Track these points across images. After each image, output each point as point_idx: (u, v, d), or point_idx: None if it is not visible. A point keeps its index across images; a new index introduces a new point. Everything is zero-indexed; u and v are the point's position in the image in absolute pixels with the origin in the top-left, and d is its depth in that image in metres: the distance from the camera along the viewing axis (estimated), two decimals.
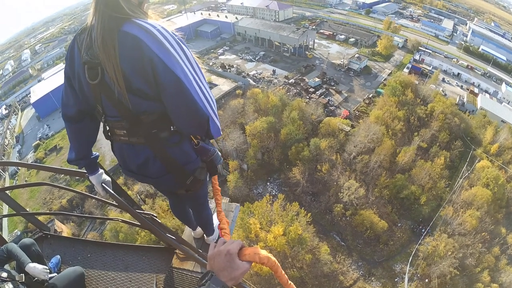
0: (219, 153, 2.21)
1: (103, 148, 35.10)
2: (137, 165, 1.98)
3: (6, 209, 32.59)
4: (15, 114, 62.79)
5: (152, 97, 1.67)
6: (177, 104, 1.67)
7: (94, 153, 2.24)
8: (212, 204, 3.26)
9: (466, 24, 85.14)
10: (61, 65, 73.77)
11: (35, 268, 2.61)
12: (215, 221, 3.27)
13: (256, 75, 57.00)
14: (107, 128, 1.96)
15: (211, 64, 62.25)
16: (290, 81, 53.99)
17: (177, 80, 1.58)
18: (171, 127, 1.84)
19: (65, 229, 31.53)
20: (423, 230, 34.39)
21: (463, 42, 73.20)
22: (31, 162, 43.54)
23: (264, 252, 1.20)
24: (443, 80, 58.01)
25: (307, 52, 64.54)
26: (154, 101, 1.69)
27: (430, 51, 67.88)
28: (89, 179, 2.32)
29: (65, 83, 1.89)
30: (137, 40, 1.53)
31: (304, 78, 54.92)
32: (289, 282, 1.36)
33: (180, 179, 2.05)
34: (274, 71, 57.89)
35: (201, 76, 1.75)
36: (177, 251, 3.06)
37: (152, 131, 1.80)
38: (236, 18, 78.32)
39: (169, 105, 1.68)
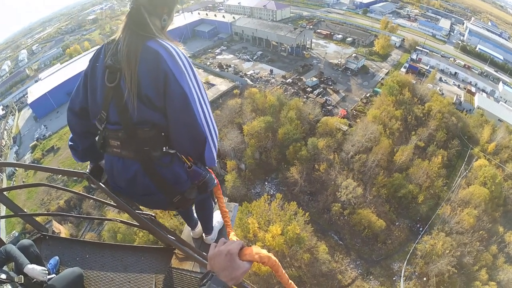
0: (213, 176, 2.21)
1: None
2: (125, 180, 2.01)
3: (4, 210, 32.55)
4: (12, 115, 62.49)
5: (156, 107, 1.81)
6: (180, 118, 1.82)
7: None
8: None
9: (463, 24, 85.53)
10: (58, 65, 73.53)
11: (34, 269, 2.60)
12: (214, 221, 3.27)
13: (254, 74, 57.02)
14: (102, 140, 2.00)
15: (208, 64, 62.25)
16: (288, 80, 54.07)
17: (183, 94, 1.77)
18: (164, 148, 1.92)
19: (63, 230, 31.51)
20: (420, 229, 34.51)
21: (460, 42, 73.57)
22: (29, 163, 43.39)
23: (264, 252, 1.21)
24: (440, 79, 58.29)
25: (304, 52, 64.66)
26: (156, 111, 1.82)
27: (427, 51, 68.10)
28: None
29: (81, 81, 2.05)
30: (157, 54, 1.74)
31: (301, 77, 55.03)
32: (290, 281, 1.37)
33: (167, 198, 2.08)
34: (271, 71, 57.94)
35: (207, 100, 1.93)
36: (176, 251, 3.05)
37: (144, 147, 1.88)
38: (234, 17, 78.32)
39: (172, 118, 1.83)
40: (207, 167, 2.17)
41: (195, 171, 2.04)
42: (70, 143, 2.28)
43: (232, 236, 1.80)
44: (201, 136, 1.89)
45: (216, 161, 2.07)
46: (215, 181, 2.25)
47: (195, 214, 3.15)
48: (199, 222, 3.23)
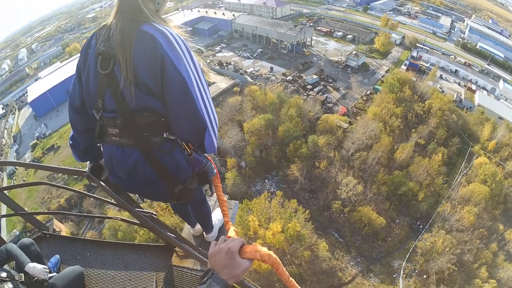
0: (212, 165, 2.19)
1: None
2: (125, 171, 1.96)
3: (4, 209, 32.53)
4: (12, 114, 62.46)
5: (154, 94, 1.74)
6: (179, 105, 1.76)
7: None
8: (211, 201, 3.25)
9: (463, 21, 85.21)
10: (58, 64, 73.43)
11: (35, 267, 2.60)
12: (214, 218, 3.28)
13: (254, 72, 56.83)
14: (100, 129, 1.96)
15: (208, 61, 62.01)
16: (288, 78, 53.93)
17: (182, 81, 1.70)
18: (164, 134, 1.87)
19: (63, 229, 31.56)
20: (421, 227, 34.55)
21: (460, 39, 73.34)
22: (29, 161, 43.43)
23: (265, 250, 1.20)
24: (441, 77, 58.17)
25: (304, 49, 64.49)
26: (155, 98, 1.76)
27: (428, 48, 67.88)
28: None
29: (75, 76, 1.99)
30: (153, 39, 1.67)
31: (301, 75, 54.88)
32: (290, 279, 1.36)
33: (168, 187, 2.03)
34: (271, 68, 57.82)
35: (206, 86, 1.88)
36: (176, 249, 3.05)
37: (144, 133, 1.82)
38: (234, 15, 78.07)
39: (171, 106, 1.77)
40: (206, 156, 2.15)
41: (196, 159, 2.02)
42: (70, 142, 2.24)
43: (230, 228, 1.78)
44: (202, 123, 1.84)
45: (216, 148, 2.04)
46: (215, 170, 2.25)
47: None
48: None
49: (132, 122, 1.80)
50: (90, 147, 2.20)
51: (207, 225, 3.16)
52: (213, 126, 1.91)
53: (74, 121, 2.14)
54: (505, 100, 53.96)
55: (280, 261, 1.25)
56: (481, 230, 32.32)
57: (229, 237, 1.71)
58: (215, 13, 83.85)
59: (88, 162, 2.35)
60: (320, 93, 49.79)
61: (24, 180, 40.21)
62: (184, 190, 2.07)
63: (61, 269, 3.00)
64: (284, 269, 1.30)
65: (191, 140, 1.95)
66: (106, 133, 1.92)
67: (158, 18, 1.81)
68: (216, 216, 3.32)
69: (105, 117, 1.87)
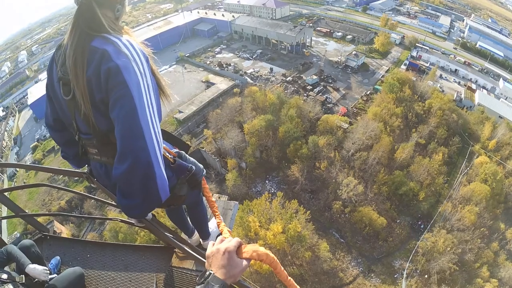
0: (200, 166, 2.16)
1: None
2: (110, 185, 1.97)
3: (5, 211, 32.58)
4: (13, 116, 62.52)
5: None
6: (118, 112, 1.52)
7: None
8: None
9: (463, 21, 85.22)
10: None
11: (35, 269, 2.61)
12: (213, 225, 3.24)
13: (254, 73, 56.95)
14: (81, 149, 1.97)
15: (208, 63, 62.22)
16: (288, 79, 53.96)
17: (123, 82, 1.49)
18: None
19: (64, 230, 31.54)
20: (422, 226, 34.49)
21: (460, 39, 73.37)
22: (29, 163, 43.41)
23: (262, 249, 1.21)
24: (441, 76, 58.18)
25: (304, 50, 64.55)
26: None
27: (428, 48, 67.94)
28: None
29: (46, 95, 1.93)
30: (103, 53, 1.52)
31: (301, 75, 54.93)
32: (289, 278, 1.36)
33: None
34: (271, 69, 57.87)
35: (155, 106, 1.65)
36: (176, 250, 3.05)
37: None
38: (233, 16, 78.19)
39: (111, 114, 1.55)
40: (190, 159, 2.12)
41: (180, 166, 1.99)
42: (62, 154, 2.24)
43: (224, 229, 1.77)
44: (139, 141, 1.52)
45: (167, 190, 1.72)
46: (204, 171, 2.23)
47: (189, 222, 3.13)
48: (195, 231, 3.22)
49: (107, 142, 1.74)
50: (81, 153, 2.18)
51: (203, 228, 3.12)
52: (158, 157, 1.60)
53: (54, 137, 2.15)
54: (505, 99, 53.93)
55: (277, 260, 1.26)
56: (482, 229, 32.28)
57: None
58: (214, 14, 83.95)
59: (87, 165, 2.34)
60: (320, 94, 49.81)
61: (24, 182, 40.20)
62: (173, 197, 1.97)
63: (61, 271, 3.01)
64: (282, 268, 1.30)
65: (125, 171, 1.55)
66: (88, 152, 1.94)
67: (117, 27, 1.68)
68: (214, 224, 3.27)
69: (83, 138, 1.87)
